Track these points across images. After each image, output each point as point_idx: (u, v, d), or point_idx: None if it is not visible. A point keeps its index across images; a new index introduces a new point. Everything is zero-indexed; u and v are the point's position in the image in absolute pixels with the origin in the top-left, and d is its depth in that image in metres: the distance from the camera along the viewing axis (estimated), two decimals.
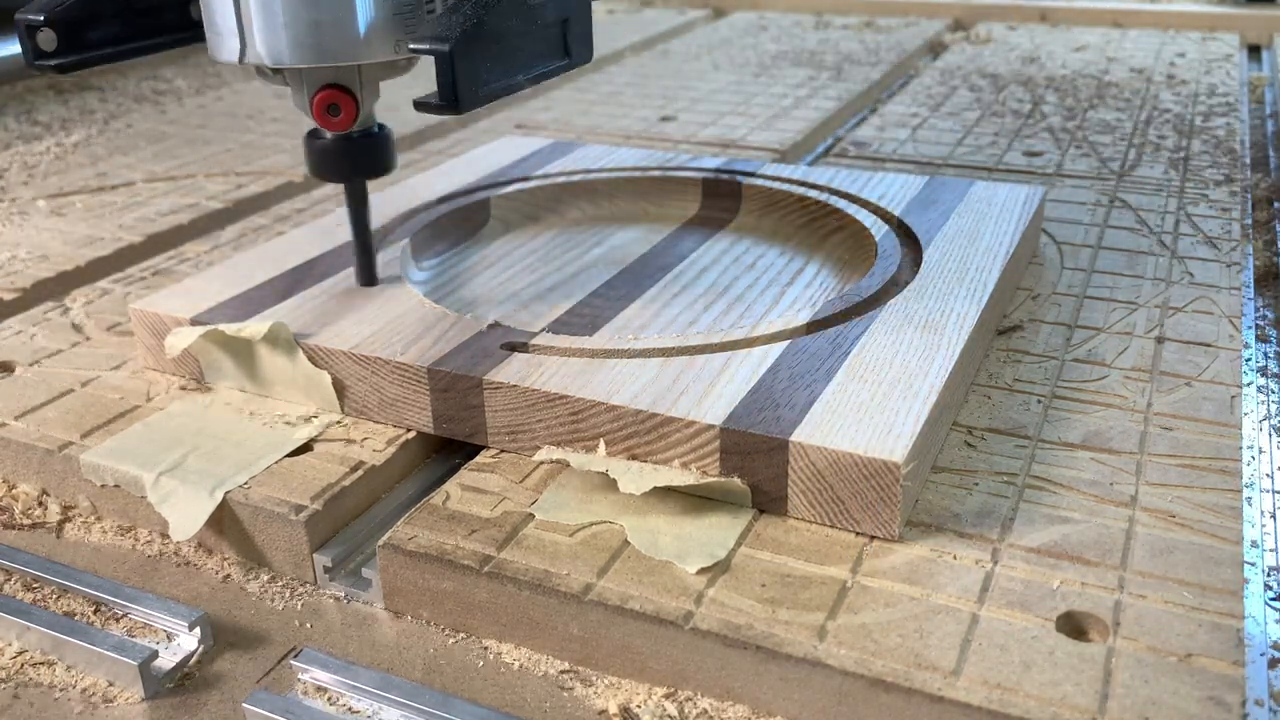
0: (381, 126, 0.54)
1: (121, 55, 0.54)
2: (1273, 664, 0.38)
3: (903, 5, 1.58)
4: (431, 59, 0.45)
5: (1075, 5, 1.51)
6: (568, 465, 0.47)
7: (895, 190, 0.69)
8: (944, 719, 0.35)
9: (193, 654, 0.41)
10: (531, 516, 0.44)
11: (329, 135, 0.53)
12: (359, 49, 0.49)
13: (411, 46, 0.45)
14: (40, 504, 0.50)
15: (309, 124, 0.53)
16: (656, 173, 0.74)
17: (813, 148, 0.97)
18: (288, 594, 0.45)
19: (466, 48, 0.45)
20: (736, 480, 0.44)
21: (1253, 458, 0.50)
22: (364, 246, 0.57)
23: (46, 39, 0.51)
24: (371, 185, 0.56)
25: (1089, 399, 0.52)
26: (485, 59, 0.46)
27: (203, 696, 0.40)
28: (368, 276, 0.57)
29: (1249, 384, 0.57)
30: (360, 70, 0.52)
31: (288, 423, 0.51)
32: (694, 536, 0.42)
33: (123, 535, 0.48)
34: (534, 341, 0.51)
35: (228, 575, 0.46)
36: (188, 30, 0.56)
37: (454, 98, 0.45)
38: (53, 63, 0.51)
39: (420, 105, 0.46)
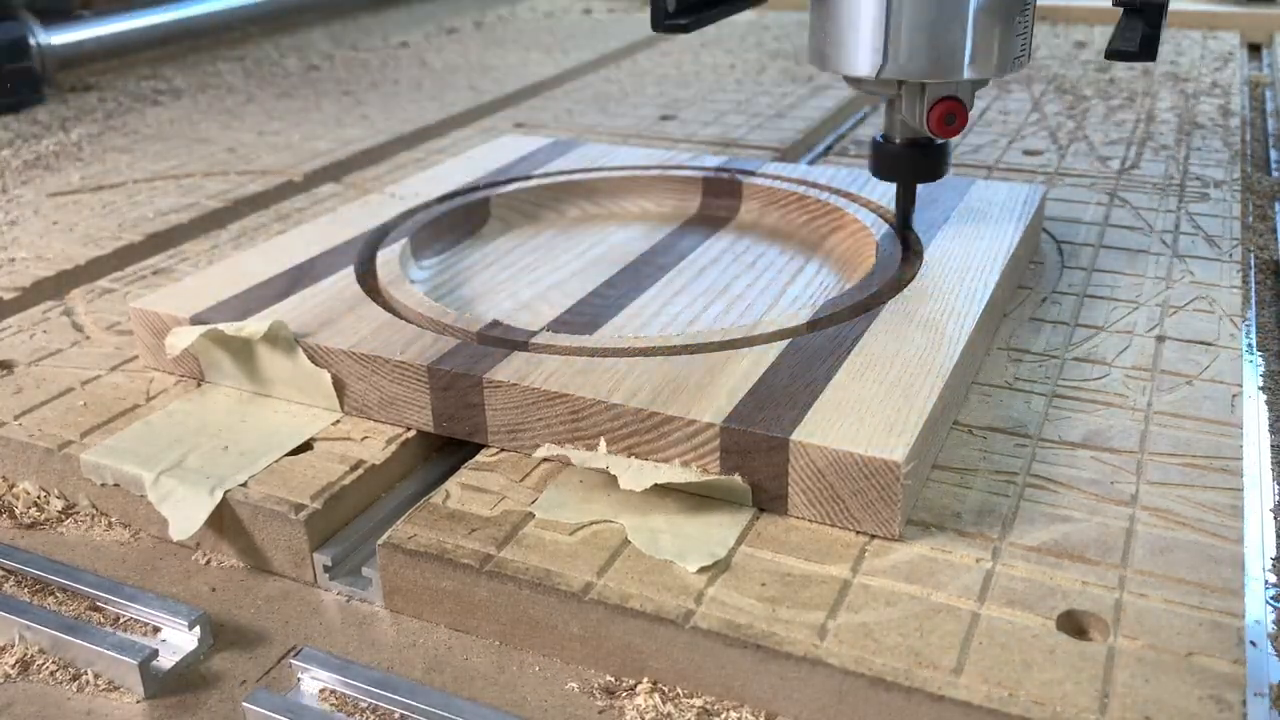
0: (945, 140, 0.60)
1: (718, 15, 0.57)
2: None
3: None
4: None
5: (1075, 4, 1.51)
6: (568, 463, 0.47)
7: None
8: (944, 718, 0.35)
9: (193, 653, 0.41)
10: (531, 515, 0.44)
11: (897, 141, 0.59)
12: (986, 66, 0.55)
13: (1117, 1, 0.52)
14: (39, 503, 0.50)
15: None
16: (656, 171, 0.74)
17: (813, 147, 0.97)
18: (288, 593, 0.45)
19: None
20: (737, 478, 0.44)
21: (1255, 461, 0.50)
22: (904, 227, 0.63)
23: None
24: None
25: (1089, 398, 0.52)
26: None
27: (203, 696, 0.40)
28: (904, 229, 0.63)
29: (1249, 383, 0.57)
30: (972, 84, 0.58)
31: (288, 422, 0.51)
32: (694, 535, 0.42)
33: (123, 534, 0.48)
34: (534, 340, 0.51)
35: (228, 574, 0.46)
36: None
37: (1154, 47, 0.52)
38: (683, 20, 0.54)
39: (1115, 55, 0.52)
